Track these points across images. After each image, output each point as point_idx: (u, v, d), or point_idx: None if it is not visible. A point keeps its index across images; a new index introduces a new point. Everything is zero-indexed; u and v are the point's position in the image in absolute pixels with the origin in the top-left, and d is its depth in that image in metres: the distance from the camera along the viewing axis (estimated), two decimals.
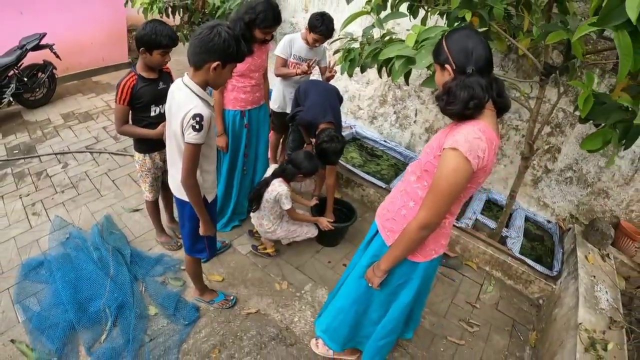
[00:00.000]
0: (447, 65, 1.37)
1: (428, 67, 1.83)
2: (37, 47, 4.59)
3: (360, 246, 1.94)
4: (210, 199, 2.04)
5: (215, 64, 1.65)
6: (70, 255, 2.80)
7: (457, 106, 1.30)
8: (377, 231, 1.72)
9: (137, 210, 3.29)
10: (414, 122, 4.21)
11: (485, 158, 1.31)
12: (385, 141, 4.36)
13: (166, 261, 2.83)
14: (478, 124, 1.32)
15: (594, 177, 3.26)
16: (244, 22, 2.45)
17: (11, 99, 4.59)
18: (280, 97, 3.37)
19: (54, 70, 4.92)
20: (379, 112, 4.46)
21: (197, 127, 1.67)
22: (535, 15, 2.28)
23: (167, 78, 2.46)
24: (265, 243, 2.89)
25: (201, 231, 2.02)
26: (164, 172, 2.64)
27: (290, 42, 3.14)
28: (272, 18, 2.45)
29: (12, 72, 4.53)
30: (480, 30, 1.91)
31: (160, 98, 2.38)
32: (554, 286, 2.82)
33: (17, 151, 4.11)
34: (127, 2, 4.24)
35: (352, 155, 4.15)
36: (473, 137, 1.29)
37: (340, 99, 3.09)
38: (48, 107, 5.02)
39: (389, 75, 2.42)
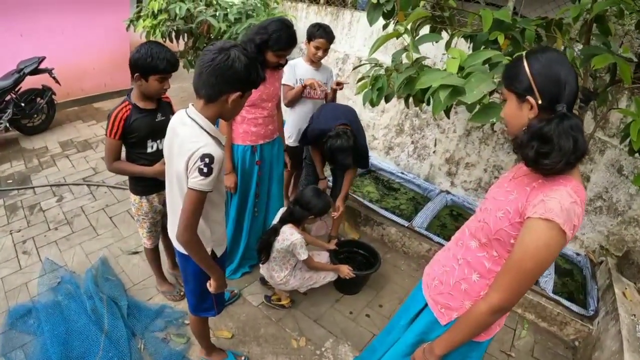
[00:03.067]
0: (529, 98, 1.08)
1: (479, 101, 1.56)
2: (36, 71, 4.40)
3: (399, 312, 1.64)
4: (219, 253, 1.75)
5: (235, 95, 1.40)
6: (61, 304, 2.54)
7: (559, 160, 1.02)
8: (426, 304, 1.43)
9: (136, 252, 3.00)
10: (433, 152, 3.97)
11: (579, 225, 1.06)
12: (402, 173, 4.11)
13: (168, 313, 2.53)
14: (570, 181, 1.07)
15: (624, 205, 3.09)
16: (254, 44, 2.18)
17: (8, 125, 4.39)
18: (294, 130, 3.10)
19: (53, 96, 4.72)
20: (396, 142, 4.22)
21: (206, 170, 1.38)
22: (565, 36, 2.07)
23: (167, 109, 2.18)
24: (279, 293, 2.59)
25: (212, 289, 1.72)
26: (164, 215, 2.31)
27: (293, 67, 2.89)
28: (286, 39, 2.19)
29: (9, 97, 4.34)
30: (517, 55, 1.67)
31: (158, 132, 2.08)
32: (591, 327, 2.61)
33: (11, 181, 3.90)
34: (129, 25, 4.06)
35: (368, 189, 3.88)
36: (569, 202, 1.03)
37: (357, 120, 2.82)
38: (46, 134, 4.81)
39: (416, 105, 2.18)
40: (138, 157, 2.12)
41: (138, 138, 2.05)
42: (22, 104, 4.45)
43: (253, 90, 2.13)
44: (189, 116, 1.46)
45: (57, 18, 4.89)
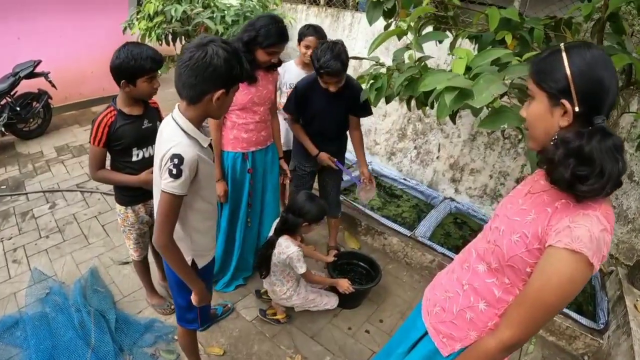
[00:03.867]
0: (564, 101, 0.90)
1: (489, 105, 1.42)
2: (32, 75, 4.35)
3: (398, 336, 1.50)
4: (202, 263, 1.64)
5: (218, 93, 1.30)
6: (48, 317, 2.46)
7: (600, 188, 0.86)
8: (426, 332, 1.29)
9: (127, 262, 2.89)
10: (437, 157, 3.84)
11: (607, 254, 0.92)
12: (405, 179, 3.97)
13: (158, 328, 2.41)
14: (600, 204, 0.92)
15: (635, 212, 2.98)
16: (243, 43, 2.05)
17: (3, 129, 4.35)
18: (285, 133, 2.97)
19: (50, 100, 4.65)
20: (398, 148, 4.09)
21: (175, 171, 1.29)
22: (575, 35, 1.94)
23: (154, 115, 2.07)
24: (275, 307, 2.46)
25: (194, 301, 1.62)
26: (152, 226, 2.25)
27: (282, 69, 2.75)
28: (275, 33, 2.04)
29: (4, 101, 4.30)
30: (525, 56, 1.52)
31: (145, 140, 1.99)
32: (601, 341, 2.48)
33: (4, 187, 3.85)
34: (125, 28, 3.97)
35: None
36: (599, 229, 0.89)
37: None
38: (43, 139, 4.76)
39: (419, 108, 2.04)
40: (123, 166, 2.01)
41: (123, 146, 1.95)
42: (18, 108, 4.40)
43: (243, 93, 1.99)
44: (173, 118, 1.38)
45: (55, 21, 4.83)
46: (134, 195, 2.09)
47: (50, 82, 4.48)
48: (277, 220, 2.35)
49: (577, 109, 0.89)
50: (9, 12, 4.44)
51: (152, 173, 1.66)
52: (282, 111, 2.65)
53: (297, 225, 2.23)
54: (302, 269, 2.20)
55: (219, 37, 1.35)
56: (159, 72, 1.92)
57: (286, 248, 2.19)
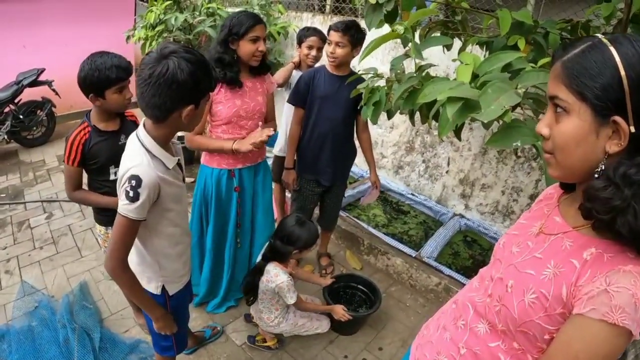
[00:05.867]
0: (616, 119, 0.66)
1: (499, 118, 1.21)
2: (35, 83, 4.35)
3: None
4: (173, 290, 1.51)
5: (187, 109, 1.18)
6: (34, 332, 2.40)
7: None
8: None
9: None
10: (446, 172, 3.66)
11: None
12: (412, 194, 3.79)
13: (142, 349, 2.29)
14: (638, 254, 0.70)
15: None
16: (220, 43, 1.95)
17: (6, 137, 4.36)
18: (283, 138, 2.85)
19: (53, 108, 4.64)
20: (406, 161, 3.92)
21: (132, 194, 1.19)
22: None
23: (132, 129, 1.95)
24: (263, 334, 2.29)
25: (155, 328, 1.50)
26: None
27: (294, 75, 2.73)
28: (247, 17, 1.93)
29: (7, 109, 4.30)
30: (540, 62, 1.34)
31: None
32: None
33: (4, 195, 3.84)
34: (128, 37, 3.93)
35: (375, 212, 3.58)
36: None
37: None
38: (46, 147, 4.76)
39: (424, 122, 1.88)
40: (101, 185, 1.90)
41: (99, 164, 1.84)
42: (21, 116, 4.40)
43: (227, 107, 1.86)
44: (137, 135, 1.26)
45: (60, 30, 4.86)
46: (113, 214, 1.97)
47: (54, 90, 4.47)
48: (265, 245, 2.18)
49: (633, 129, 0.65)
50: (14, 21, 4.47)
51: None
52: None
53: (287, 254, 2.05)
54: (292, 299, 2.01)
55: (181, 44, 1.21)
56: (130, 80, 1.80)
57: (275, 277, 2.01)
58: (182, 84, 1.12)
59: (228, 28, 1.93)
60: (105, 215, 1.97)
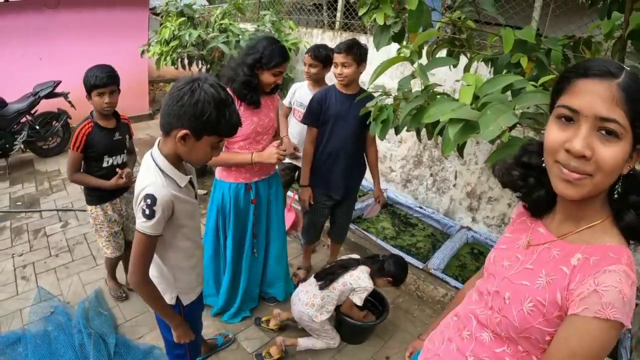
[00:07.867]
0: None
1: (498, 138, 1.28)
2: (51, 95, 4.46)
3: None
4: (187, 300, 1.59)
5: (182, 132, 1.23)
6: (50, 336, 2.44)
7: None
8: None
9: (125, 296, 2.80)
10: (454, 185, 3.71)
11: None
12: (420, 207, 3.85)
13: (156, 356, 2.33)
14: (622, 249, 0.78)
15: None
16: (247, 66, 2.04)
17: (23, 147, 4.46)
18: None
19: (69, 120, 4.76)
20: (414, 175, 3.98)
21: (148, 212, 1.26)
22: (596, 55, 1.82)
23: (125, 129, 2.41)
24: (269, 347, 2.34)
25: (174, 338, 1.57)
26: (123, 227, 2.53)
27: (294, 89, 2.98)
28: (278, 53, 2.05)
29: (24, 119, 4.40)
30: (541, 80, 1.40)
31: (115, 149, 2.33)
32: None
33: (20, 203, 3.91)
34: (143, 52, 4.05)
35: (383, 224, 3.63)
36: (629, 286, 0.74)
37: None
38: (60, 157, 4.85)
39: (430, 138, 1.94)
40: (94, 170, 2.31)
41: (97, 153, 2.25)
42: (37, 127, 4.51)
43: (246, 124, 1.94)
44: (151, 154, 1.35)
45: (76, 43, 5.00)
46: (101, 195, 2.37)
47: (69, 102, 4.57)
48: (353, 256, 2.44)
49: None
50: (32, 35, 4.61)
51: (120, 179, 2.26)
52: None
53: (383, 275, 2.30)
54: (360, 301, 2.22)
55: (216, 80, 1.28)
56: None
57: (366, 279, 2.23)
58: (185, 105, 1.20)
59: (259, 56, 2.03)
60: (94, 196, 2.37)
